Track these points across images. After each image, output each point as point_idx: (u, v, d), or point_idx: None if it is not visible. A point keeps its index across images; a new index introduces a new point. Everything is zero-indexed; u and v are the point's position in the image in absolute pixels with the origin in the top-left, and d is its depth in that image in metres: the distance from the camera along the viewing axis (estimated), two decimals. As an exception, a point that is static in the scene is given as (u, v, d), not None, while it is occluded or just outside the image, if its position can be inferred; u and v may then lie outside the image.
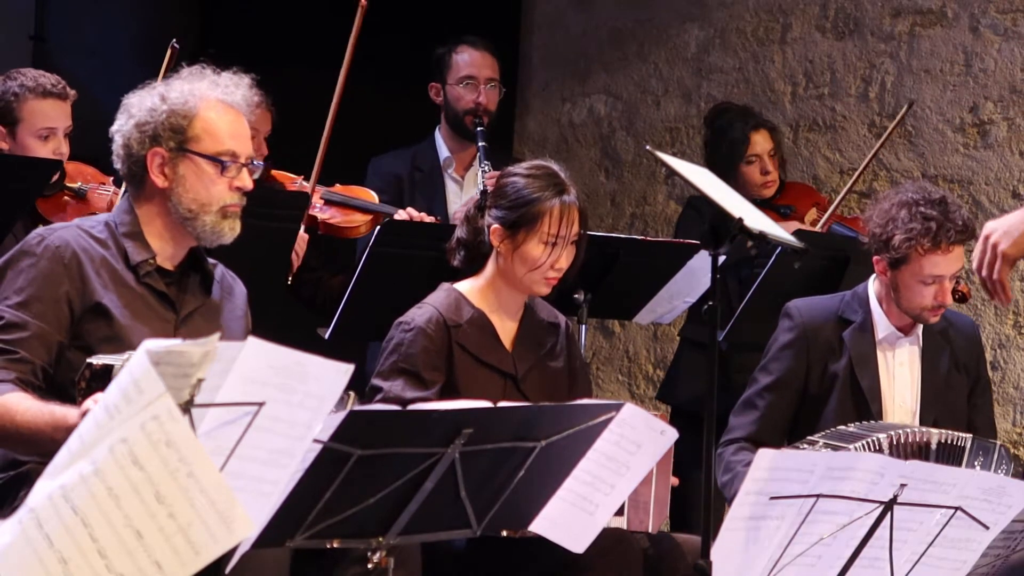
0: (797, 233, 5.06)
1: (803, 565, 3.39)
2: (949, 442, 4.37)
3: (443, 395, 4.12)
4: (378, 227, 4.99)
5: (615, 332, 7.50)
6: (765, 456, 3.28)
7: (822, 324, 4.69)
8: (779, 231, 3.77)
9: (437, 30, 6.14)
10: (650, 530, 4.04)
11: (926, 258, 4.51)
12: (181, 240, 3.74)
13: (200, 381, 2.60)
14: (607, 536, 3.68)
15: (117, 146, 3.73)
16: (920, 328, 4.70)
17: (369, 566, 3.09)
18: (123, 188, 4.03)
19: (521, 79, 7.68)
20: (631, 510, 4.01)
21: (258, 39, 6.80)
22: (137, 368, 2.49)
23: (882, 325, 4.67)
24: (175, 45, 4.98)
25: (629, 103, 7.53)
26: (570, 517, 3.35)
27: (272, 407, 2.69)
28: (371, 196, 5.40)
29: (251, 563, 2.94)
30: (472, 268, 4.33)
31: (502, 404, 3.47)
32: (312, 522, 2.92)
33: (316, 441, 2.80)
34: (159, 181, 3.69)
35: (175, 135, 3.67)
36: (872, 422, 4.47)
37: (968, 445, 4.37)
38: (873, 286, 4.71)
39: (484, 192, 4.41)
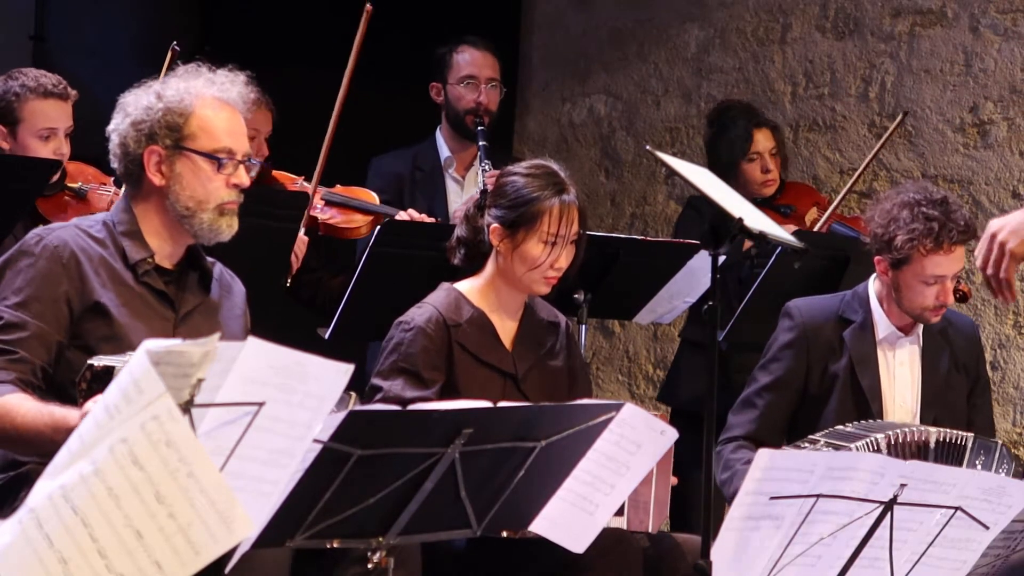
0: (797, 233, 5.06)
1: (803, 565, 3.39)
2: (949, 441, 4.37)
3: (443, 395, 4.12)
4: (378, 227, 4.99)
5: (615, 332, 7.50)
6: (765, 456, 3.28)
7: (822, 324, 4.69)
8: (779, 231, 3.77)
9: (437, 30, 6.14)
10: (650, 530, 4.04)
11: (928, 258, 4.51)
12: (179, 238, 3.73)
13: (200, 381, 2.60)
14: (607, 536, 3.68)
15: (114, 145, 3.73)
16: (920, 328, 4.70)
17: (369, 566, 3.09)
18: (124, 188, 4.03)
19: (521, 79, 7.68)
20: (631, 510, 4.01)
21: (258, 39, 6.80)
22: (137, 368, 2.49)
23: (882, 325, 4.67)
24: (176, 47, 4.98)
25: (629, 103, 7.53)
26: (570, 517, 3.35)
27: (272, 407, 2.69)
28: (371, 197, 5.40)
29: (251, 563, 2.94)
30: (472, 267, 4.33)
31: (502, 404, 3.47)
32: (312, 522, 2.92)
33: (316, 441, 2.80)
34: (156, 179, 3.69)
35: (171, 133, 3.67)
36: (872, 421, 4.47)
37: (969, 444, 4.37)
38: (873, 286, 4.71)
39: (484, 191, 4.42)
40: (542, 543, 3.42)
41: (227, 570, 2.87)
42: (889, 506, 3.37)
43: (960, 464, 4.31)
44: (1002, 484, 3.47)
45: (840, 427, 4.39)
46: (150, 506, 2.49)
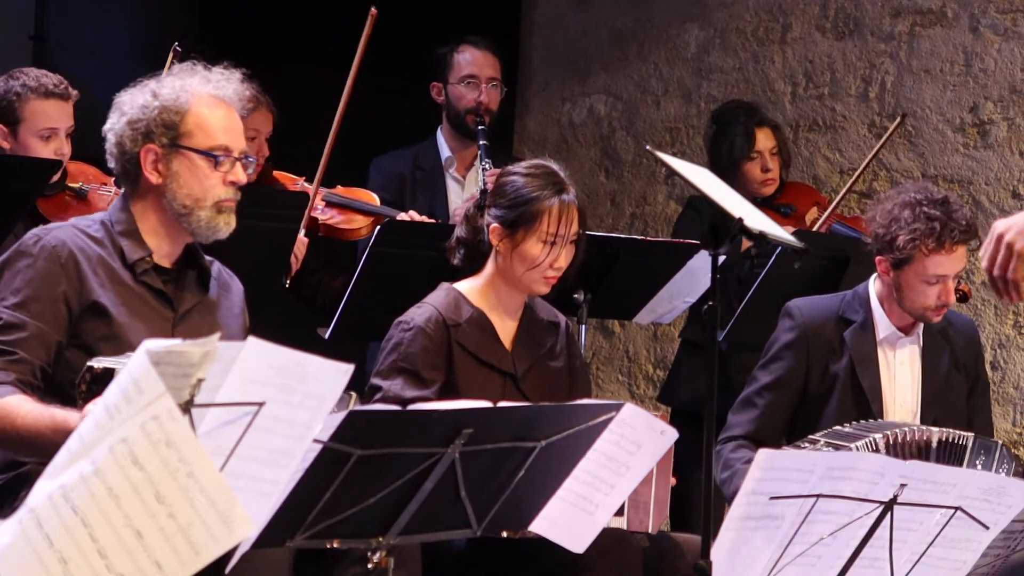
0: (797, 233, 5.06)
1: (803, 565, 3.39)
2: (950, 441, 4.37)
3: (443, 394, 4.12)
4: (378, 227, 4.99)
5: (615, 332, 7.50)
6: (765, 456, 3.28)
7: (823, 324, 4.69)
8: (779, 231, 3.77)
9: (437, 30, 6.15)
10: (650, 530, 4.04)
11: (930, 258, 4.51)
12: (177, 237, 3.73)
13: (200, 381, 2.60)
14: (607, 536, 3.68)
15: (110, 144, 3.73)
16: (920, 328, 4.70)
17: (369, 566, 3.09)
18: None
19: (521, 79, 7.68)
20: (631, 510, 4.01)
21: (258, 39, 6.80)
22: (137, 368, 2.49)
23: (883, 325, 4.67)
24: (177, 48, 4.98)
25: (629, 103, 7.53)
26: (570, 517, 3.35)
27: (272, 407, 2.69)
28: (372, 198, 5.40)
29: (251, 563, 2.94)
30: (472, 267, 4.33)
31: (502, 404, 3.47)
32: (312, 522, 2.92)
33: (316, 441, 2.80)
34: (153, 178, 3.68)
35: (168, 131, 3.67)
36: (872, 421, 4.47)
37: (970, 444, 4.37)
38: (874, 286, 4.71)
39: (484, 191, 4.42)
40: (542, 543, 3.42)
41: (227, 570, 2.87)
42: (889, 506, 3.37)
43: (960, 464, 4.31)
44: (1002, 484, 3.47)
45: (840, 427, 4.39)
46: (150, 506, 2.49)
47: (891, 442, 4.31)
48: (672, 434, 3.41)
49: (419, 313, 4.22)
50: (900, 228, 4.52)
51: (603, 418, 3.20)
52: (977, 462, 4.36)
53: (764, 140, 5.99)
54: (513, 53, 7.55)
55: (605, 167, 7.57)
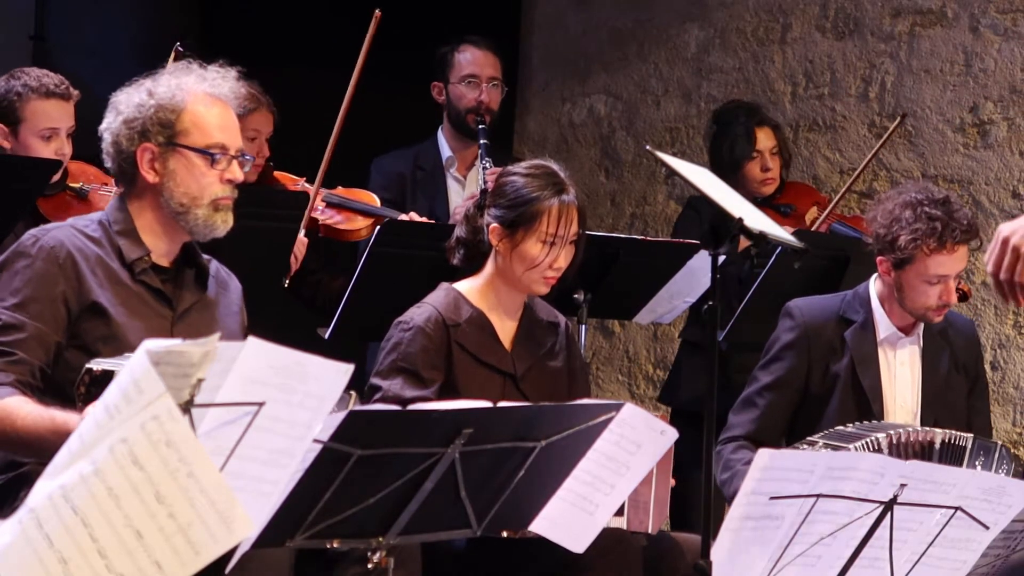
0: (797, 233, 5.06)
1: (803, 565, 3.39)
2: (950, 442, 4.37)
3: (442, 394, 4.12)
4: (378, 227, 4.99)
5: (615, 332, 7.50)
6: (765, 456, 3.28)
7: (823, 324, 4.69)
8: (779, 231, 3.77)
9: (437, 31, 6.15)
10: (650, 530, 4.04)
11: (931, 258, 4.51)
12: (174, 235, 3.73)
13: (200, 381, 2.60)
14: (607, 536, 3.68)
15: (106, 144, 3.73)
16: (920, 328, 4.70)
17: (369, 566, 3.09)
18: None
19: (521, 79, 7.68)
20: (631, 510, 4.01)
21: (259, 39, 6.80)
22: (137, 368, 2.49)
23: (883, 325, 4.67)
24: (179, 48, 4.98)
25: (629, 103, 7.53)
26: (570, 517, 3.35)
27: (272, 407, 2.69)
28: (372, 199, 5.40)
29: (251, 563, 2.94)
30: (472, 267, 4.33)
31: (502, 404, 3.47)
32: (312, 522, 2.92)
33: (316, 441, 2.80)
34: (150, 177, 3.68)
35: (164, 130, 3.66)
36: (873, 422, 4.47)
37: (969, 445, 4.37)
38: (874, 286, 4.71)
39: (484, 191, 4.41)
40: (542, 543, 3.42)
41: (227, 570, 2.87)
42: (889, 506, 3.37)
43: (959, 466, 4.31)
44: (1002, 484, 3.47)
45: (839, 428, 4.39)
46: (150, 506, 2.49)
47: (894, 442, 4.31)
48: (672, 434, 3.41)
49: (419, 313, 4.22)
50: (901, 228, 4.52)
51: (603, 418, 3.20)
52: (976, 463, 4.36)
53: (764, 139, 5.99)
54: (513, 53, 7.55)
55: (605, 167, 7.57)
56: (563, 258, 4.23)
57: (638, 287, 5.29)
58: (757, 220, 3.64)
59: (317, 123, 5.29)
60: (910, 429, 4.38)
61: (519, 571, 3.97)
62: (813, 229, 5.87)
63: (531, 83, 7.75)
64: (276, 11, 7.08)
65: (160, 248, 3.73)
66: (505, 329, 4.31)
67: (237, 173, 3.71)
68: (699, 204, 5.87)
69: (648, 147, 3.94)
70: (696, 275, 5.23)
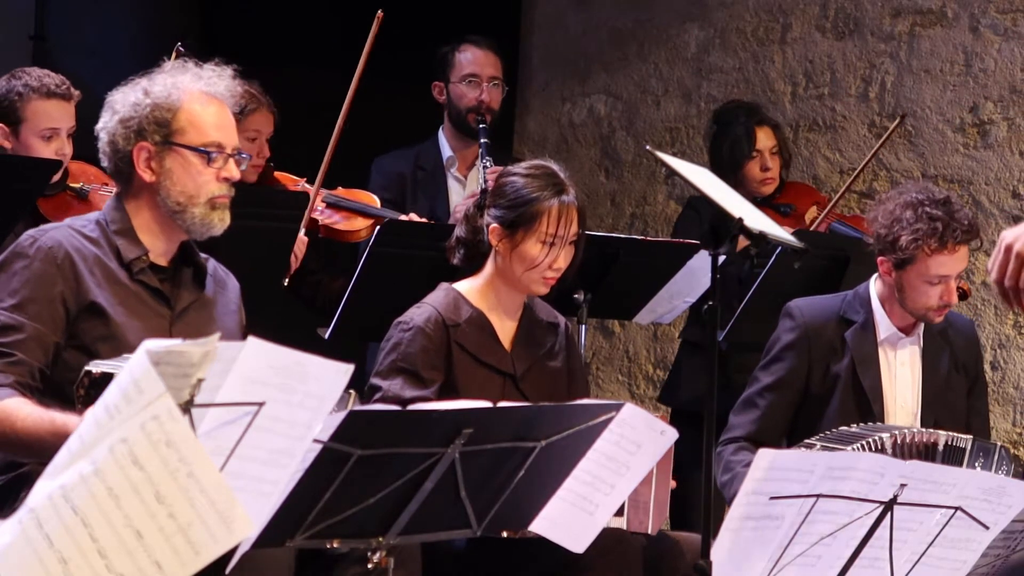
0: (797, 233, 5.06)
1: (803, 565, 3.39)
2: (950, 444, 4.37)
3: (442, 395, 4.12)
4: (378, 227, 4.99)
5: (615, 332, 7.50)
6: (765, 456, 3.28)
7: (824, 324, 4.69)
8: (779, 231, 3.77)
9: (437, 31, 6.15)
10: (649, 531, 4.04)
11: (932, 258, 4.51)
12: (172, 234, 3.73)
13: (200, 381, 2.60)
14: (607, 536, 3.68)
15: (103, 143, 3.72)
16: (921, 328, 4.70)
17: (369, 566, 3.09)
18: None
19: (521, 79, 7.68)
20: (631, 510, 4.01)
21: (259, 39, 6.80)
22: (137, 368, 2.49)
23: (884, 325, 4.67)
24: (180, 48, 4.98)
25: (629, 103, 7.53)
26: (570, 517, 3.35)
27: (272, 407, 2.69)
28: (373, 200, 5.40)
29: (251, 563, 2.94)
30: (471, 267, 4.33)
31: (502, 404, 3.47)
32: (312, 522, 2.92)
33: (316, 441, 2.80)
34: (146, 176, 3.68)
35: (160, 128, 3.66)
36: (873, 423, 4.47)
37: (968, 446, 4.37)
38: (875, 286, 4.71)
39: (484, 191, 4.41)
40: (542, 543, 3.42)
41: (227, 570, 2.87)
42: (889, 506, 3.37)
43: (959, 466, 4.31)
44: (1002, 484, 3.47)
45: (837, 430, 4.38)
46: (150, 506, 2.49)
47: (898, 442, 4.31)
48: (672, 434, 3.41)
49: (418, 313, 4.22)
50: (902, 228, 4.52)
51: (603, 418, 3.20)
52: (976, 464, 4.36)
53: (764, 139, 5.99)
54: (513, 53, 7.55)
55: (605, 167, 7.57)
56: (563, 258, 4.23)
57: (638, 287, 5.29)
58: (757, 220, 3.64)
59: (317, 123, 5.29)
60: (912, 430, 4.38)
61: (519, 571, 3.97)
62: (812, 228, 5.87)
63: (531, 83, 7.75)
64: (276, 11, 7.08)
65: (158, 247, 3.73)
66: (505, 329, 4.31)
67: (234, 171, 3.71)
68: (699, 204, 5.87)
69: (648, 147, 3.94)
70: (696, 275, 5.23)
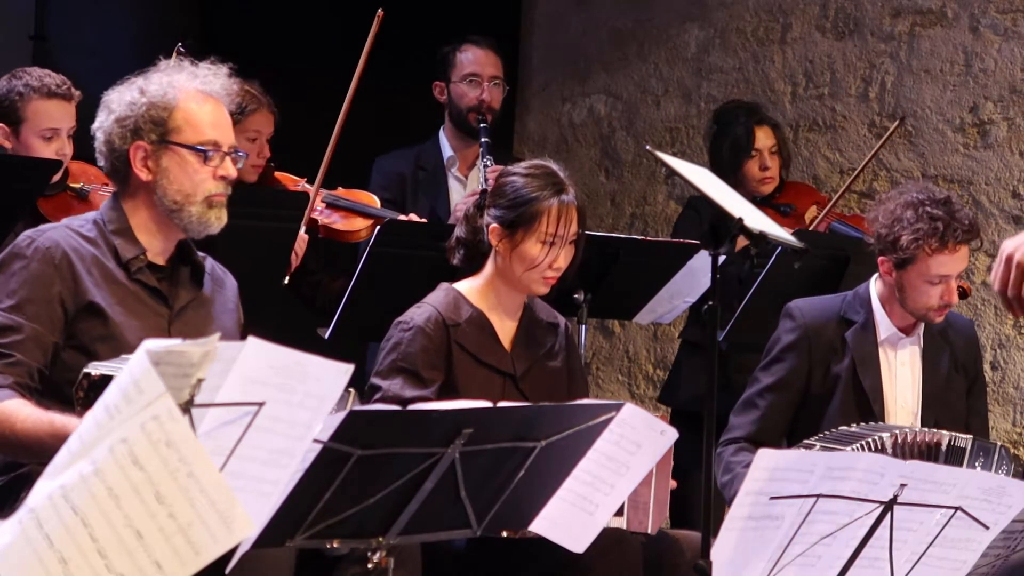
0: (797, 232, 5.06)
1: (803, 565, 3.39)
2: (951, 444, 4.37)
3: (442, 394, 4.12)
4: (378, 227, 4.99)
5: (615, 332, 7.50)
6: (765, 456, 3.28)
7: (824, 324, 4.69)
8: (779, 231, 3.77)
9: (437, 31, 6.15)
10: (649, 531, 4.04)
11: (933, 258, 4.52)
12: (169, 233, 3.73)
13: (200, 381, 2.60)
14: (607, 536, 3.68)
15: (99, 143, 3.72)
16: (921, 328, 4.70)
17: (369, 566, 3.09)
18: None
19: (521, 79, 7.68)
20: (631, 510, 4.01)
21: (259, 39, 6.80)
22: (137, 368, 2.48)
23: (884, 325, 4.67)
24: (180, 48, 4.97)
25: (629, 103, 7.53)
26: (570, 517, 3.35)
27: (272, 407, 2.69)
28: (373, 200, 5.40)
29: (251, 563, 2.94)
30: (472, 267, 4.33)
31: (502, 404, 3.47)
32: (312, 522, 2.92)
33: (316, 441, 2.80)
34: (143, 175, 3.68)
35: (156, 127, 3.66)
36: (873, 423, 4.47)
37: (968, 446, 4.37)
38: (875, 286, 4.71)
39: (484, 191, 4.42)
40: (542, 543, 3.42)
41: (227, 570, 2.87)
42: (889, 506, 3.37)
43: (959, 466, 4.31)
44: (1002, 484, 3.47)
45: (837, 430, 4.38)
46: (150, 506, 2.49)
47: (898, 442, 4.31)
48: (672, 434, 3.41)
49: (418, 313, 4.22)
50: (903, 228, 4.52)
51: (603, 418, 3.20)
52: (976, 464, 4.36)
53: (763, 138, 5.99)
54: (513, 53, 7.55)
55: (605, 167, 7.57)
56: (563, 258, 4.23)
57: (638, 287, 5.29)
58: (757, 220, 3.64)
59: (317, 123, 5.29)
60: (912, 430, 4.38)
61: (519, 571, 3.97)
62: (812, 228, 5.87)
63: (531, 83, 7.75)
64: (276, 11, 7.08)
65: (155, 246, 3.73)
66: (505, 329, 4.31)
67: (230, 169, 3.71)
68: (699, 204, 5.87)
69: (648, 147, 3.94)
70: (696, 275, 5.23)
